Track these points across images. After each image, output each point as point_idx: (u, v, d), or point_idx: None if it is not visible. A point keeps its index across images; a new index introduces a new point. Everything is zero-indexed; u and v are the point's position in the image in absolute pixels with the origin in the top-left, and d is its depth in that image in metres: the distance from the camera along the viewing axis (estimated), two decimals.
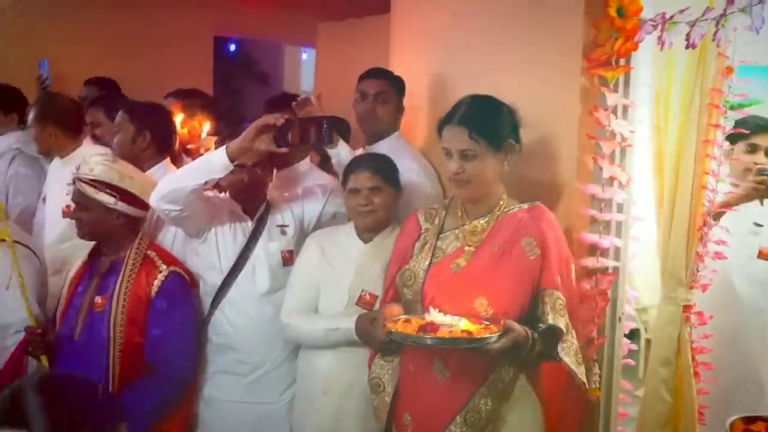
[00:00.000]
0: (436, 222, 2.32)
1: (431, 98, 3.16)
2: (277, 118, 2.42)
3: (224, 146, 2.47)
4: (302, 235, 2.78)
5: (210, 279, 2.70)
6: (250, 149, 2.46)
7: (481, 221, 2.25)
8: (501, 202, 2.26)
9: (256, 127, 2.43)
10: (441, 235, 2.29)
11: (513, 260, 2.17)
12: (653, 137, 2.59)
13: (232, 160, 2.45)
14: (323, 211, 2.82)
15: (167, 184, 2.53)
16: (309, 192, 2.87)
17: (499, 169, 2.21)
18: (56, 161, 3.64)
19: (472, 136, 2.14)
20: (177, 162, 3.38)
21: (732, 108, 2.55)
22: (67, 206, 3.40)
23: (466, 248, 2.23)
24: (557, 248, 2.19)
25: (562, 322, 2.12)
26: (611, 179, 2.48)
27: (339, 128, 3.63)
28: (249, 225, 2.74)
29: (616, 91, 2.44)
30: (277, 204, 2.82)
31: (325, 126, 2.47)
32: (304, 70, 9.28)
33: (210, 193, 2.75)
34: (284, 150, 2.50)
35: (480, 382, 2.16)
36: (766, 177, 2.69)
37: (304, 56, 9.23)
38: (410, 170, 2.82)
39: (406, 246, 2.34)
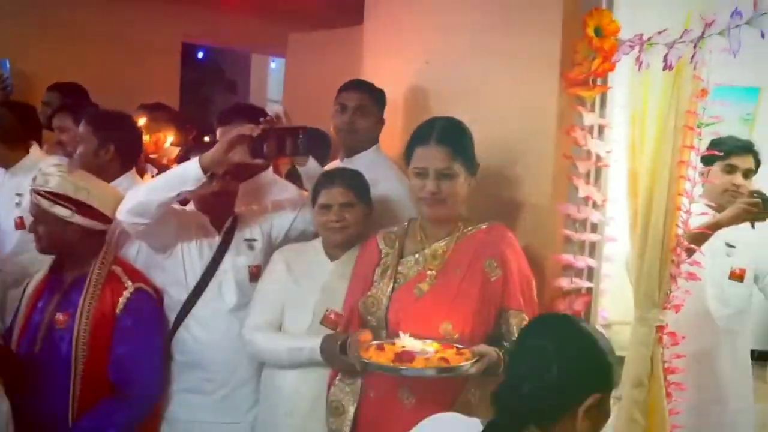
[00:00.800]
0: (396, 246, 2.30)
1: (405, 112, 3.13)
2: (253, 129, 2.36)
3: (197, 158, 2.39)
4: (270, 249, 2.72)
5: (175, 294, 2.62)
6: (224, 161, 2.39)
7: (441, 244, 2.25)
8: (460, 224, 2.26)
9: (232, 138, 2.36)
10: (401, 260, 2.27)
11: (475, 282, 2.17)
12: (628, 158, 2.57)
13: (205, 172, 2.38)
14: (292, 227, 2.76)
15: (136, 197, 2.44)
16: (278, 206, 2.81)
17: (467, 189, 2.22)
18: (2, 172, 3.56)
19: (452, 156, 2.15)
20: (141, 172, 3.31)
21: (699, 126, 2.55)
22: (20, 218, 3.32)
23: (428, 272, 2.22)
24: (518, 268, 2.20)
25: None
26: (587, 199, 2.47)
27: (320, 141, 3.59)
28: (216, 239, 2.67)
29: (593, 110, 2.44)
30: (245, 218, 2.75)
31: (300, 137, 2.41)
32: (272, 79, 9.22)
33: (177, 206, 2.67)
34: (260, 162, 2.44)
35: (448, 406, 2.12)
36: (758, 200, 2.65)
37: (273, 65, 9.17)
38: (389, 185, 2.79)
39: (366, 272, 2.31)
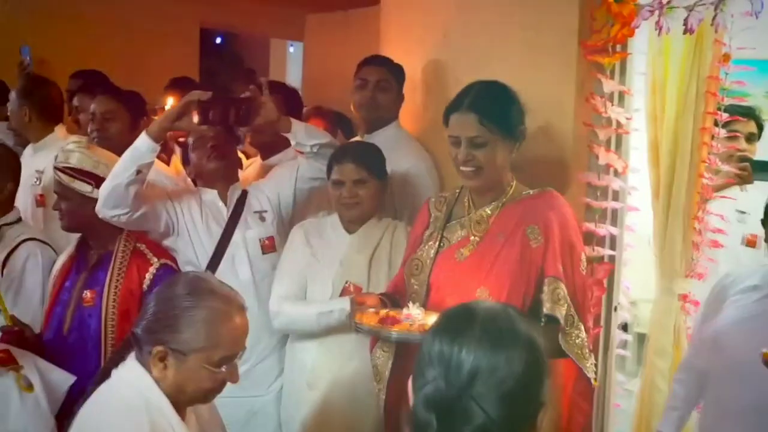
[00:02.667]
0: (444, 210, 2.28)
1: (423, 90, 3.12)
2: (202, 94, 2.38)
3: (144, 130, 2.44)
4: (281, 220, 2.73)
5: None
6: (171, 128, 2.44)
7: (487, 210, 2.20)
8: (509, 189, 2.21)
9: (180, 105, 2.41)
10: (447, 225, 2.25)
11: (516, 249, 2.12)
12: (649, 126, 2.56)
13: (156, 141, 2.41)
14: (296, 189, 2.74)
15: (104, 189, 2.44)
16: (278, 175, 2.80)
17: (508, 156, 2.16)
18: (28, 149, 3.61)
19: (482, 122, 2.09)
20: (170, 154, 3.34)
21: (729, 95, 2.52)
22: (41, 195, 3.37)
23: (472, 237, 2.20)
24: (562, 235, 2.12)
25: (560, 313, 2.07)
26: (607, 167, 2.46)
27: (343, 125, 3.60)
28: (223, 213, 2.68)
29: (612, 78, 2.41)
30: (253, 190, 2.75)
31: (243, 107, 2.45)
32: (291, 63, 9.20)
33: (169, 186, 2.67)
34: (204, 128, 2.46)
35: None
36: (747, 164, 2.66)
37: (291, 50, 9.15)
38: (410, 161, 2.80)
39: (417, 235, 2.31)
